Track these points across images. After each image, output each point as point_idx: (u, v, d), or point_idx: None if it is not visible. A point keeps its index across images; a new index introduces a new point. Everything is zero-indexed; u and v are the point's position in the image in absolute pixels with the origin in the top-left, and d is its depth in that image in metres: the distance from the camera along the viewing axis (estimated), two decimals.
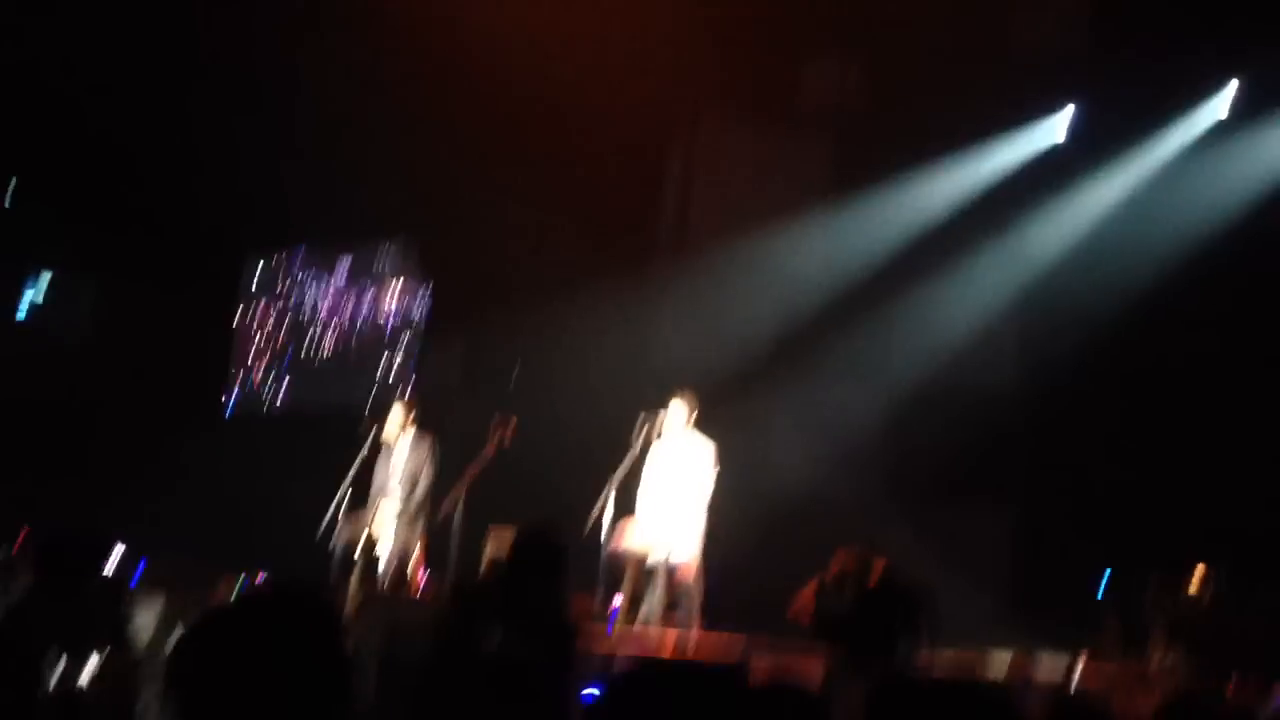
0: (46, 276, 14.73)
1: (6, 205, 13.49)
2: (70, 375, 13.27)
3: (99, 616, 4.20)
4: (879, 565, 7.65)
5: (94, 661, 2.34)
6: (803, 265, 11.00)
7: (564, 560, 5.05)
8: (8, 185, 13.57)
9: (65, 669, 2.33)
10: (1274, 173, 9.60)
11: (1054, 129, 10.67)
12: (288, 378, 14.40)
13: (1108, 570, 9.63)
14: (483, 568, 8.62)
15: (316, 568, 8.70)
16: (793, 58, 11.31)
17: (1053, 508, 10.04)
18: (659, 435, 8.05)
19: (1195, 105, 10.03)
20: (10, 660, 2.02)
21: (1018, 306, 10.49)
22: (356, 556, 8.68)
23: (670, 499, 8.00)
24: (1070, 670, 7.00)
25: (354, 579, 8.67)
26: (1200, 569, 8.53)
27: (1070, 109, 10.56)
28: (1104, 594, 9.17)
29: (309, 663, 1.64)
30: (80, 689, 2.30)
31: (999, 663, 7.72)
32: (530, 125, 11.01)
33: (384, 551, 8.71)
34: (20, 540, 9.23)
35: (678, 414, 8.02)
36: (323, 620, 1.71)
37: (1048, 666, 7.59)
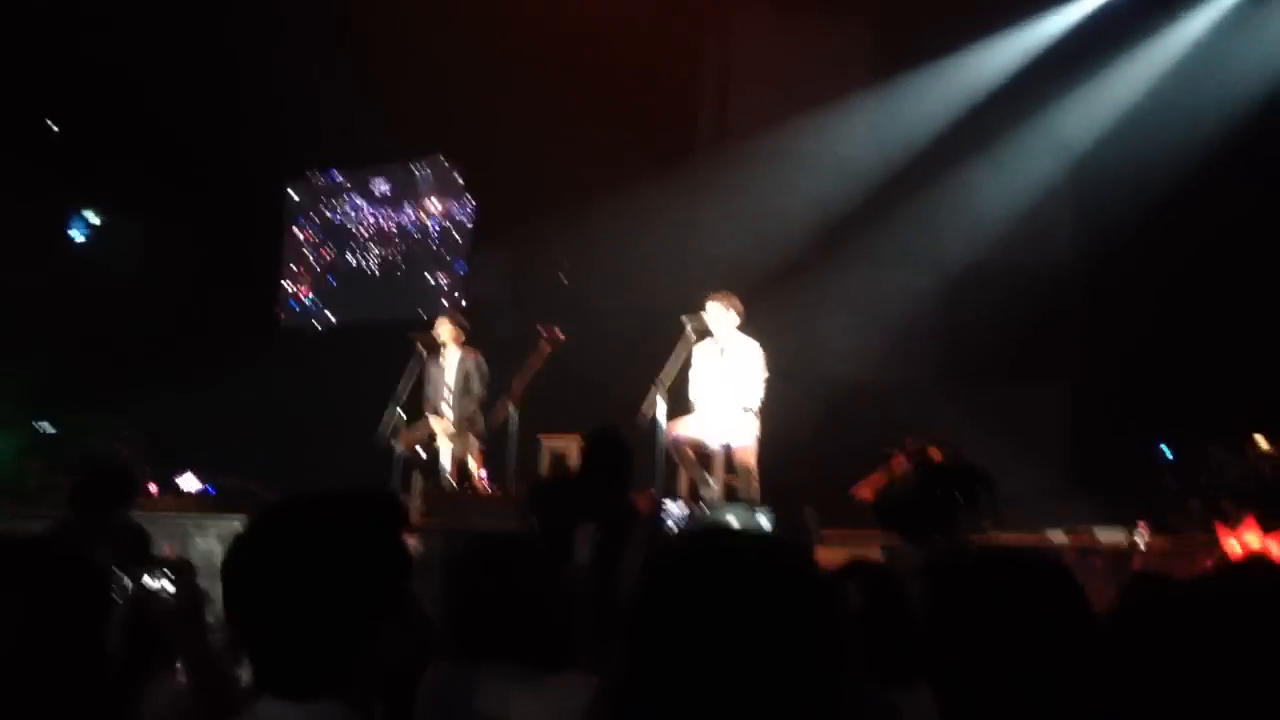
0: (90, 215, 14.91)
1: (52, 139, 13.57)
2: (121, 307, 13.45)
3: (128, 552, 4.34)
4: (936, 456, 7.64)
5: (157, 580, 2.35)
6: (846, 152, 10.84)
7: (632, 461, 5.27)
8: (47, 125, 13.65)
9: (133, 588, 2.35)
10: None
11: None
12: (338, 296, 14.52)
13: (1163, 445, 9.58)
14: (545, 470, 8.75)
15: (379, 475, 8.85)
16: None
17: (1109, 383, 9.95)
18: (701, 337, 8.02)
19: None
20: (73, 567, 2.03)
21: (1068, 180, 10.31)
22: (418, 461, 8.81)
23: (721, 397, 8.00)
24: (1132, 539, 6.98)
25: (417, 482, 8.81)
26: (1261, 439, 8.47)
27: None
28: (1168, 471, 9.12)
29: (367, 558, 1.62)
30: (151, 604, 2.32)
31: (1058, 541, 7.73)
32: (563, 27, 10.85)
33: (443, 458, 8.84)
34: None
35: (716, 315, 7.98)
36: (384, 514, 1.70)
37: (1108, 540, 7.59)
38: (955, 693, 1.71)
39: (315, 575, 1.59)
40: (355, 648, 1.59)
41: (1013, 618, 1.73)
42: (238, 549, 1.65)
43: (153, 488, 9.84)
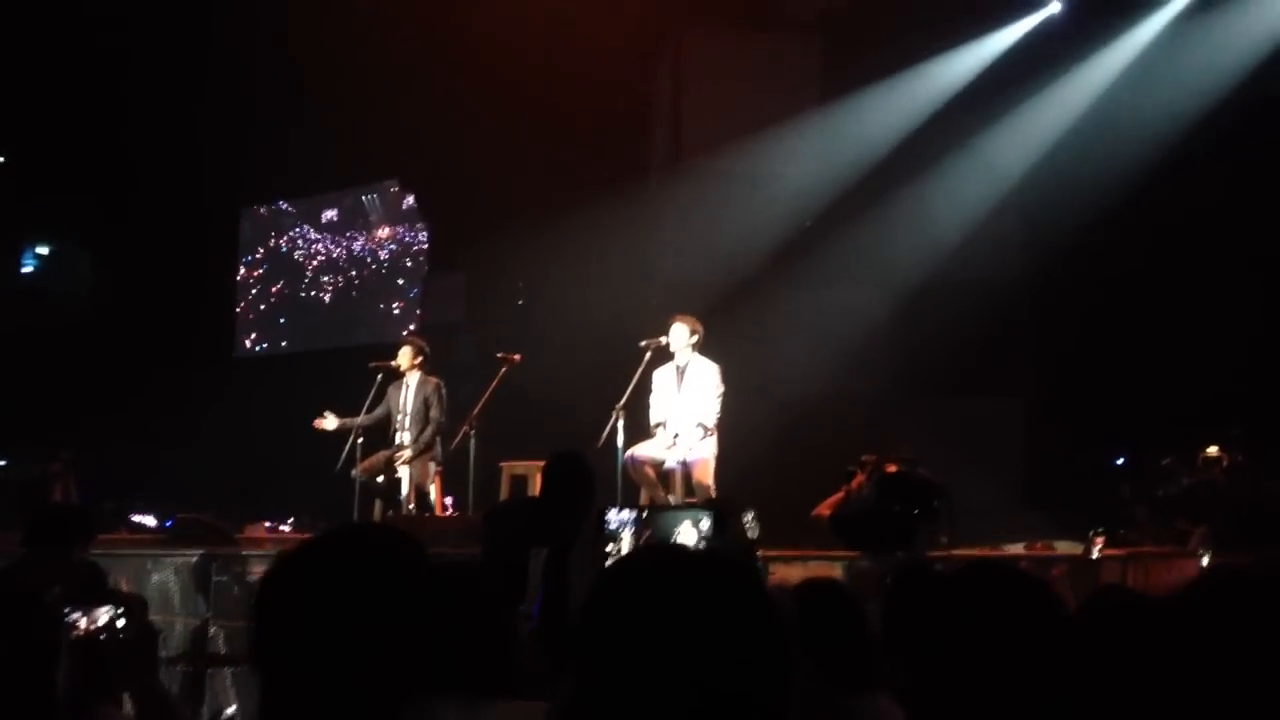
0: (43, 248, 14.80)
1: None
2: (72, 338, 13.31)
3: (87, 588, 4.31)
4: (891, 469, 7.69)
5: (107, 615, 2.33)
6: (798, 171, 10.94)
7: (592, 483, 5.20)
8: None
9: (83, 622, 2.33)
10: (1271, 37, 9.46)
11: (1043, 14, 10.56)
12: (293, 324, 14.44)
13: (1121, 458, 9.70)
14: (503, 495, 8.74)
15: (338, 503, 8.79)
16: None
17: (1062, 397, 10.06)
18: (663, 360, 8.08)
19: None
20: (26, 605, 2.01)
21: (1017, 195, 10.44)
22: (377, 488, 8.78)
23: (680, 416, 8.04)
24: (1088, 550, 7.06)
25: (377, 508, 8.78)
26: (1213, 449, 8.60)
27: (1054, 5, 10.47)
28: (1122, 482, 9.23)
29: (399, 592, 1.58)
30: (101, 639, 2.31)
31: (1015, 554, 7.78)
32: (515, 51, 10.87)
33: (403, 484, 8.81)
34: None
35: (679, 337, 8.05)
36: (410, 548, 1.66)
37: (1065, 553, 7.66)
38: (923, 700, 1.73)
39: (349, 614, 1.54)
40: (373, 690, 1.55)
41: (988, 628, 1.75)
42: (266, 593, 1.61)
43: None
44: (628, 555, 1.38)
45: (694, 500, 7.61)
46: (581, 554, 4.42)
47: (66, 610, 2.30)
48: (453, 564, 3.50)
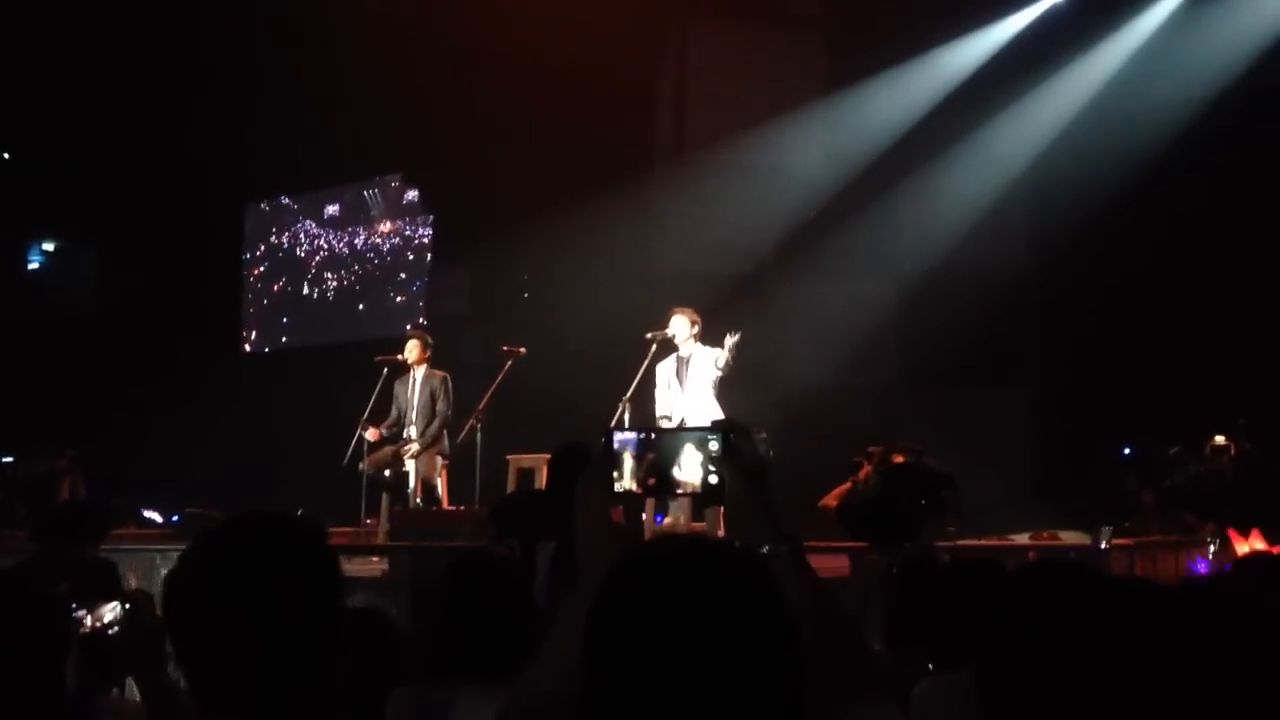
0: (48, 245, 14.85)
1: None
2: (78, 333, 13.34)
3: (97, 584, 4.32)
4: (898, 460, 7.68)
5: (114, 611, 2.36)
6: (802, 161, 10.91)
7: None
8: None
9: (90, 618, 2.35)
10: (1275, 26, 9.43)
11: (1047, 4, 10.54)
12: (298, 319, 14.44)
13: (1128, 448, 9.69)
14: (510, 488, 8.74)
15: (346, 497, 8.80)
16: None
17: (1069, 387, 10.05)
18: (668, 352, 8.08)
19: None
20: (33, 601, 2.03)
21: (1023, 185, 10.41)
22: (384, 482, 8.80)
23: (684, 408, 8.03)
24: (1096, 541, 7.04)
25: (384, 502, 8.79)
26: (1220, 438, 8.58)
27: None
28: (1129, 472, 9.22)
29: (302, 582, 1.61)
30: (109, 634, 2.33)
31: (1021, 544, 7.78)
32: (517, 46, 10.85)
33: (410, 478, 8.82)
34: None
35: (680, 329, 8.04)
36: (311, 539, 1.69)
37: (1072, 543, 7.65)
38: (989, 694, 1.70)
39: (250, 601, 1.58)
40: (297, 671, 1.58)
41: (1013, 619, 1.72)
42: (169, 584, 1.65)
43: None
44: (637, 550, 1.37)
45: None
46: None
47: (74, 606, 2.31)
48: (482, 554, 3.51)
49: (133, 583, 6.50)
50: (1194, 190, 9.26)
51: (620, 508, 1.68)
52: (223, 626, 1.58)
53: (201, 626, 1.60)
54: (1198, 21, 9.78)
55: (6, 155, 13.59)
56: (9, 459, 11.58)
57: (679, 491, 1.78)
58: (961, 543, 6.89)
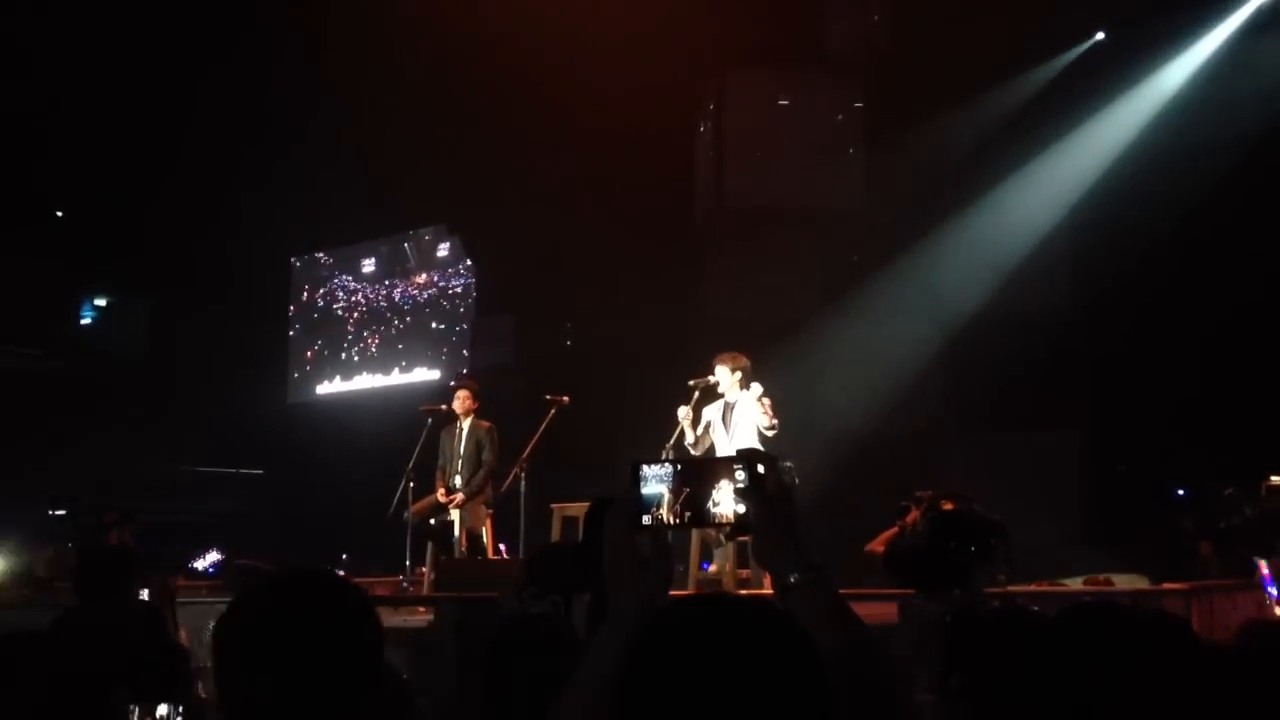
0: (100, 300, 15.12)
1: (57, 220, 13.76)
2: (130, 390, 13.53)
3: (142, 641, 4.26)
4: (949, 509, 7.58)
5: (166, 710, 2.39)
6: (844, 207, 10.92)
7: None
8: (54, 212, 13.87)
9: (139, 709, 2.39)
10: None
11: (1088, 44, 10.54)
12: (344, 369, 14.58)
13: (1180, 489, 9.52)
14: (554, 537, 8.72)
15: (392, 547, 8.82)
16: (815, 6, 11.22)
17: (1119, 429, 9.91)
18: (709, 400, 8.05)
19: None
20: (76, 685, 2.08)
21: (1068, 225, 10.35)
22: (429, 531, 8.80)
23: (733, 450, 7.99)
24: (1150, 590, 6.91)
25: (430, 551, 8.79)
26: (1276, 478, 8.41)
27: (1099, 36, 10.43)
28: (1183, 514, 9.06)
29: (341, 639, 1.66)
30: None
31: (1075, 589, 7.65)
32: (557, 97, 10.98)
33: (455, 527, 8.83)
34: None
35: (723, 377, 8.01)
36: (352, 597, 1.72)
37: (1126, 588, 7.52)
38: None
39: (290, 655, 1.63)
40: None
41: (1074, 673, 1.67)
42: (217, 633, 1.69)
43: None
44: (671, 607, 1.37)
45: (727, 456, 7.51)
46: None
47: (131, 709, 2.36)
48: (545, 616, 3.49)
49: (183, 636, 6.51)
50: (1240, 228, 9.15)
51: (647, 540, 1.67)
52: (264, 677, 1.62)
53: (244, 676, 1.64)
54: (1241, 60, 9.72)
55: (60, 213, 13.88)
56: (62, 512, 11.72)
57: (716, 524, 1.79)
58: (1013, 589, 6.78)
